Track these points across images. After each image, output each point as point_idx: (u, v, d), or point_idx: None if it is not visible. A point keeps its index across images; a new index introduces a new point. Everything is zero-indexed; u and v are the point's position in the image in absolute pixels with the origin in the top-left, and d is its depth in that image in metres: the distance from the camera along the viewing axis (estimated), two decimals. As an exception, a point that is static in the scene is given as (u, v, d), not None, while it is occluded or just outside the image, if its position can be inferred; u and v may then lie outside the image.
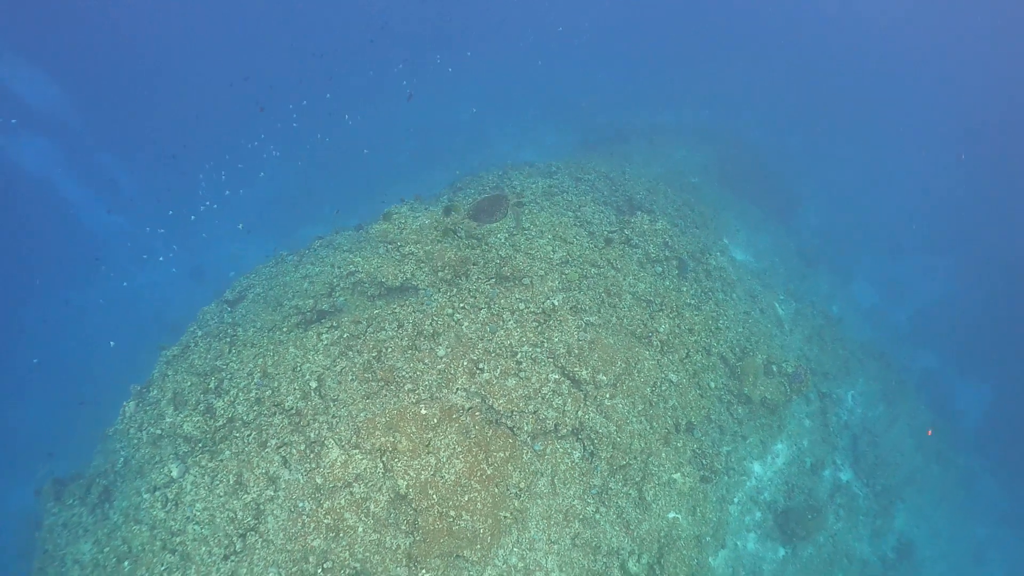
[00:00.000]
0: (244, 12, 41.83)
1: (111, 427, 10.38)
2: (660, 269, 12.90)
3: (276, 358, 10.30)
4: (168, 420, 9.77)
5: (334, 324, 10.74)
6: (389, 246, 11.95)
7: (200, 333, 11.62)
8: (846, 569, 14.17)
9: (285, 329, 10.98)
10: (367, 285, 11.48)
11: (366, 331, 10.53)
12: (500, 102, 35.47)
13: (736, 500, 12.31)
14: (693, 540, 10.68)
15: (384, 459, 9.08)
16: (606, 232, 13.14)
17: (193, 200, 27.47)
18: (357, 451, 9.11)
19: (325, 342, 10.49)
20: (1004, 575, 17.61)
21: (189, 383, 10.28)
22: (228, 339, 11.03)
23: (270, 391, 9.87)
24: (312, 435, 9.35)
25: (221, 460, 9.26)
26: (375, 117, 33.62)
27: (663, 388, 10.82)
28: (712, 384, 11.59)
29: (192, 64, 38.14)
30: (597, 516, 9.70)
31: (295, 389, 9.86)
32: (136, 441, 9.95)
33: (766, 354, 12.40)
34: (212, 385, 10.16)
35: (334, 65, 33.22)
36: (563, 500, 9.52)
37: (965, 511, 18.08)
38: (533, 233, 12.27)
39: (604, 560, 9.40)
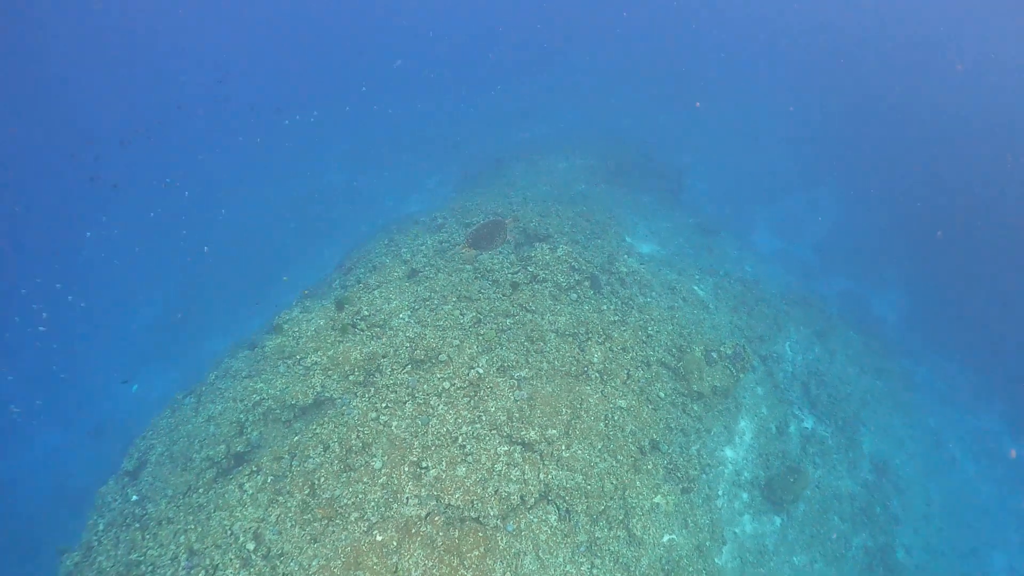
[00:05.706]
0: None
1: None
2: (575, 295, 12.54)
3: (200, 529, 8.96)
4: (85, 654, 8.18)
5: (254, 468, 9.53)
6: (289, 361, 10.86)
7: (102, 524, 9.96)
8: (838, 510, 14.44)
9: (201, 489, 9.67)
10: (278, 411, 10.35)
11: (291, 465, 9.41)
12: (373, 156, 34.83)
13: (720, 492, 12.13)
14: (695, 552, 10.36)
15: (352, 605, 8.02)
16: (510, 276, 12.63)
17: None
18: (320, 606, 8.00)
19: (250, 491, 9.26)
20: (962, 449, 18.84)
21: (101, 595, 8.70)
22: (138, 523, 9.52)
23: (203, 571, 8.52)
24: (265, 606, 8.14)
25: (167, 677, 7.85)
26: (248, 202, 31.99)
27: (616, 418, 10.36)
28: (662, 394, 11.30)
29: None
30: (594, 571, 9.09)
31: (232, 559, 8.55)
32: None
33: (702, 344, 12.33)
34: (132, 587, 8.65)
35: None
36: (555, 571, 8.82)
37: (914, 409, 19.18)
38: (436, 302, 11.53)
39: (615, 618, 8.81)
